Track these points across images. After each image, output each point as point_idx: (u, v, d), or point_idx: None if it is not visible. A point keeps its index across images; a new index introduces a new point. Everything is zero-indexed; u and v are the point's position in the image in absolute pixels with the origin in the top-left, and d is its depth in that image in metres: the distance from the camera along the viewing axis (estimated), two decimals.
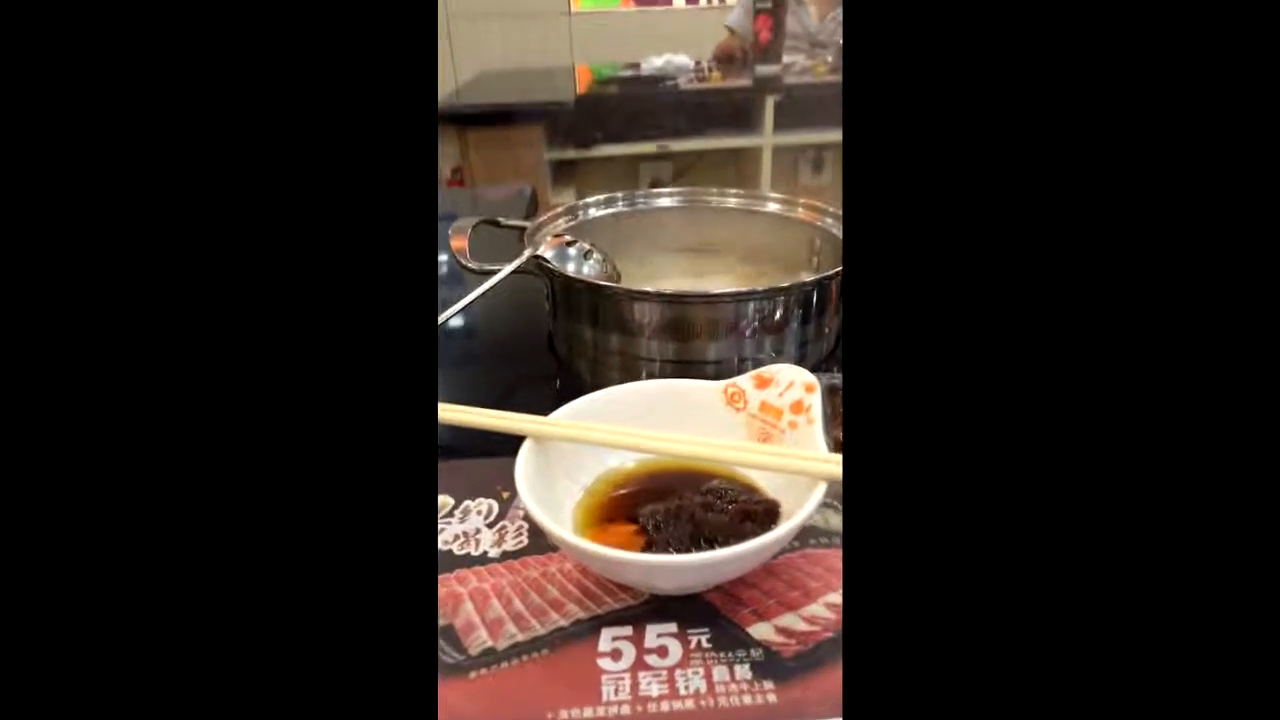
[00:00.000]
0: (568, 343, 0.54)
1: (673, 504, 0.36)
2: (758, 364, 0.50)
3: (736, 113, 1.86)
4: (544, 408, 0.38)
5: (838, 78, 1.86)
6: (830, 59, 1.90)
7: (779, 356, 0.50)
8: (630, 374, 0.51)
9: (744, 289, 0.47)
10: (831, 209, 0.59)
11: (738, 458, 0.35)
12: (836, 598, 0.34)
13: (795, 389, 0.38)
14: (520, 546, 0.38)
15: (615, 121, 1.83)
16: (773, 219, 0.62)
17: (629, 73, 2.03)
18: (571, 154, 1.84)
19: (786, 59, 1.90)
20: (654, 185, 1.95)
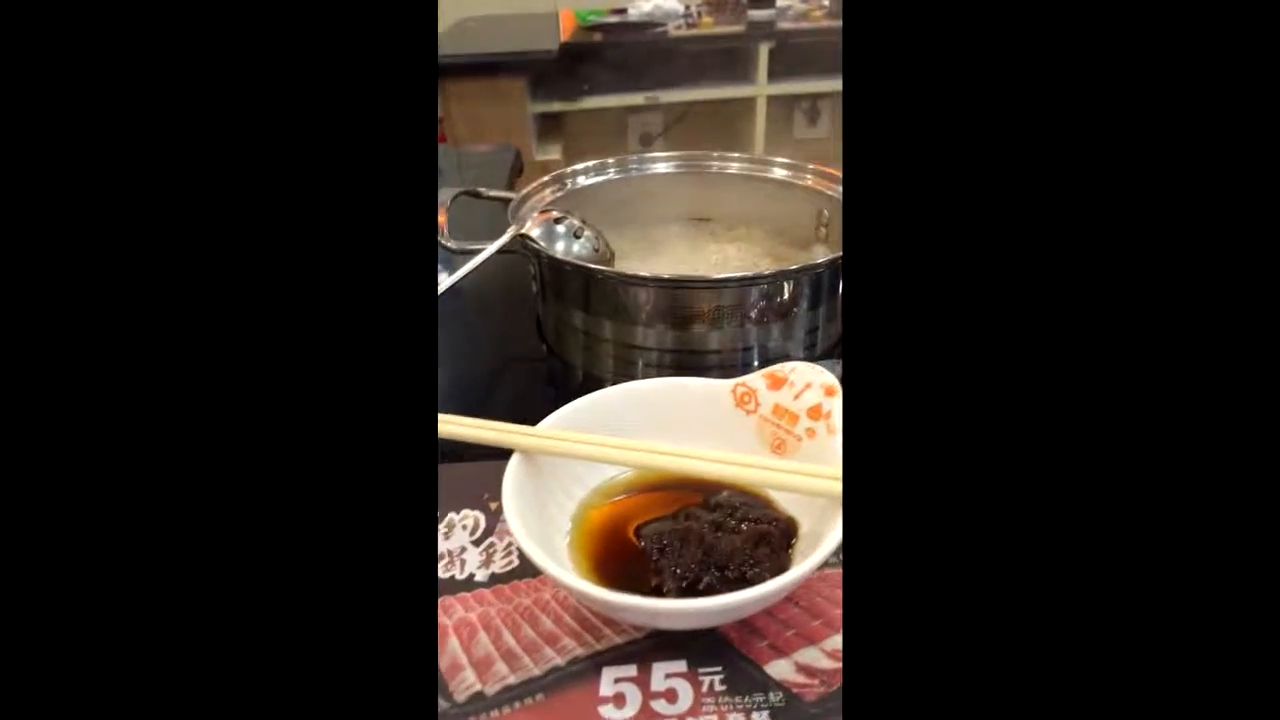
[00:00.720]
0: (557, 329, 0.49)
1: (680, 524, 0.32)
2: (764, 352, 0.46)
3: (729, 61, 1.77)
4: (533, 400, 0.35)
5: (835, 23, 1.78)
6: (827, 3, 1.81)
7: (787, 343, 0.46)
8: (625, 364, 0.47)
9: (749, 273, 0.43)
10: (840, 176, 0.54)
11: (752, 478, 0.32)
12: None
13: (813, 391, 0.34)
14: (510, 568, 0.34)
15: (602, 71, 1.75)
16: (778, 186, 0.57)
17: (615, 18, 1.94)
18: (557, 106, 1.75)
19: (780, 3, 1.81)
20: (644, 139, 1.88)
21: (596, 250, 0.50)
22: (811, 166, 0.56)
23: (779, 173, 0.57)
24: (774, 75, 1.74)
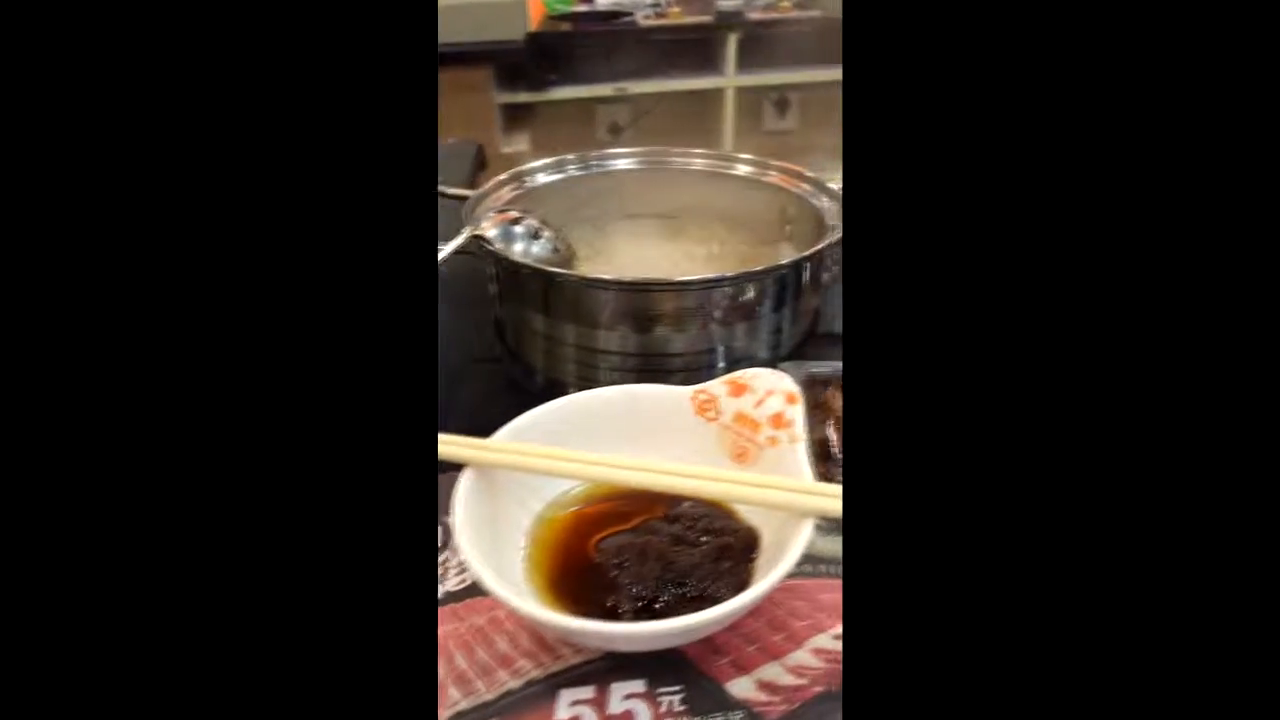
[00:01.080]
0: (517, 333, 0.48)
1: (640, 538, 0.31)
2: (729, 354, 0.45)
3: (697, 51, 1.76)
4: (493, 405, 0.33)
5: (805, 13, 1.77)
6: None
7: (752, 344, 0.45)
8: (587, 367, 0.45)
9: (713, 275, 0.42)
10: (807, 173, 0.54)
11: (714, 491, 0.31)
12: (825, 640, 0.30)
13: (775, 399, 0.33)
14: (463, 585, 0.33)
15: (569, 62, 1.72)
16: (742, 183, 0.56)
17: (584, 7, 1.91)
18: (524, 97, 1.73)
19: None
20: (613, 130, 1.86)
21: (556, 250, 0.48)
22: (775, 163, 0.55)
23: (743, 169, 0.56)
24: (743, 66, 1.73)
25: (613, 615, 0.28)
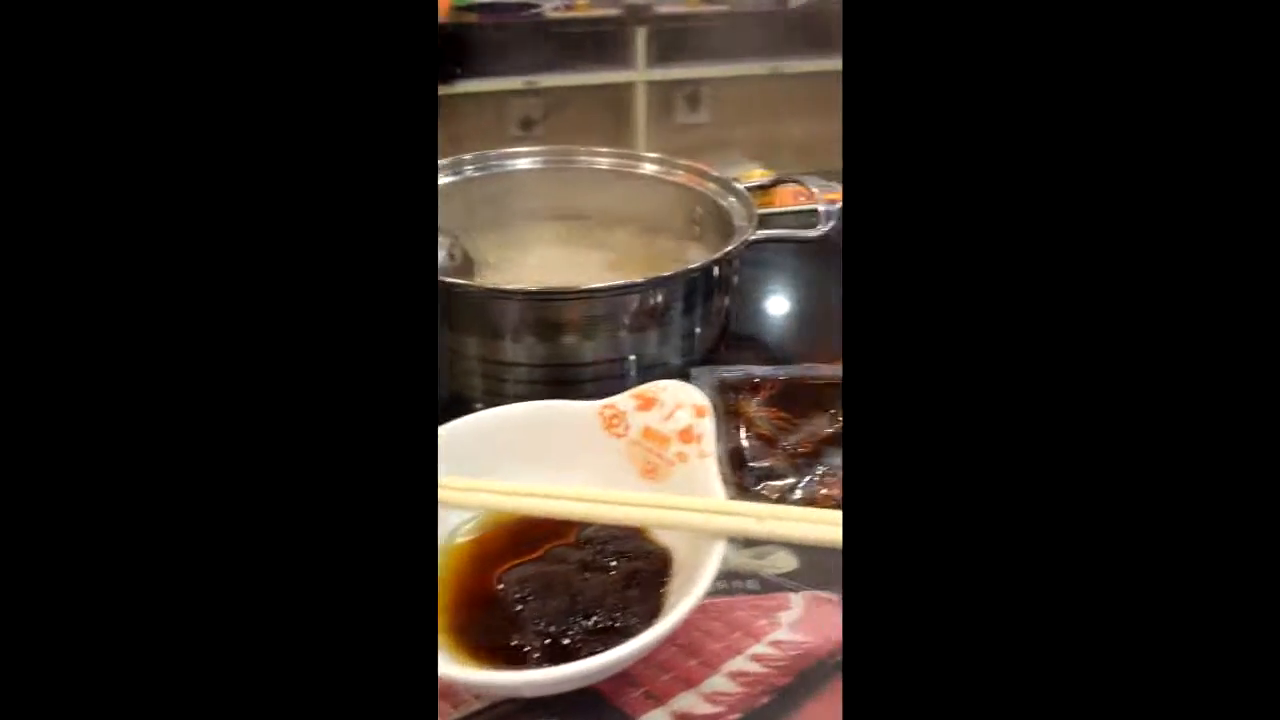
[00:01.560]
0: None
1: (546, 568, 0.30)
2: (641, 361, 0.44)
3: (608, 45, 1.74)
4: None
5: (712, 7, 1.77)
6: None
7: (664, 350, 0.44)
8: (494, 381, 0.43)
9: (623, 282, 0.41)
10: (713, 173, 0.53)
11: (620, 516, 0.29)
12: (742, 663, 0.29)
13: (684, 413, 0.32)
14: None
15: (478, 54, 1.67)
16: (649, 182, 0.55)
17: None
18: None
19: None
20: (525, 124, 1.81)
21: (453, 259, 0.46)
22: (682, 162, 0.54)
23: (649, 168, 0.55)
24: (654, 60, 1.72)
25: (519, 656, 0.27)
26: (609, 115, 1.78)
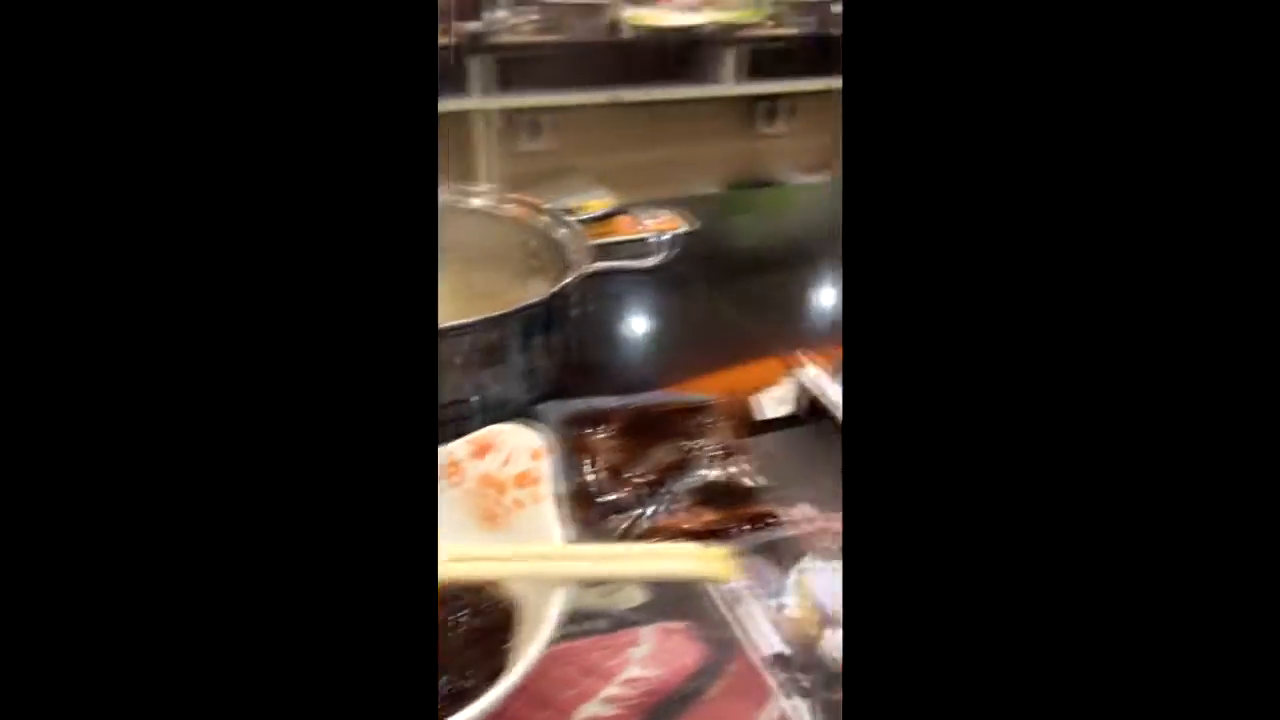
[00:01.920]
0: None
1: None
2: (484, 402, 0.43)
3: (445, 72, 1.71)
4: None
5: (548, 37, 1.79)
6: (536, 17, 1.81)
7: (507, 387, 0.43)
8: None
9: (458, 321, 0.39)
10: (544, 205, 0.52)
11: (460, 573, 0.28)
12: (596, 708, 0.29)
13: (520, 457, 0.31)
14: None
15: None
16: (478, 217, 0.54)
17: None
18: None
19: (490, 15, 1.78)
20: None
21: None
22: (513, 195, 0.53)
23: (478, 202, 0.54)
24: (491, 89, 1.70)
25: None
26: (449, 142, 1.75)
